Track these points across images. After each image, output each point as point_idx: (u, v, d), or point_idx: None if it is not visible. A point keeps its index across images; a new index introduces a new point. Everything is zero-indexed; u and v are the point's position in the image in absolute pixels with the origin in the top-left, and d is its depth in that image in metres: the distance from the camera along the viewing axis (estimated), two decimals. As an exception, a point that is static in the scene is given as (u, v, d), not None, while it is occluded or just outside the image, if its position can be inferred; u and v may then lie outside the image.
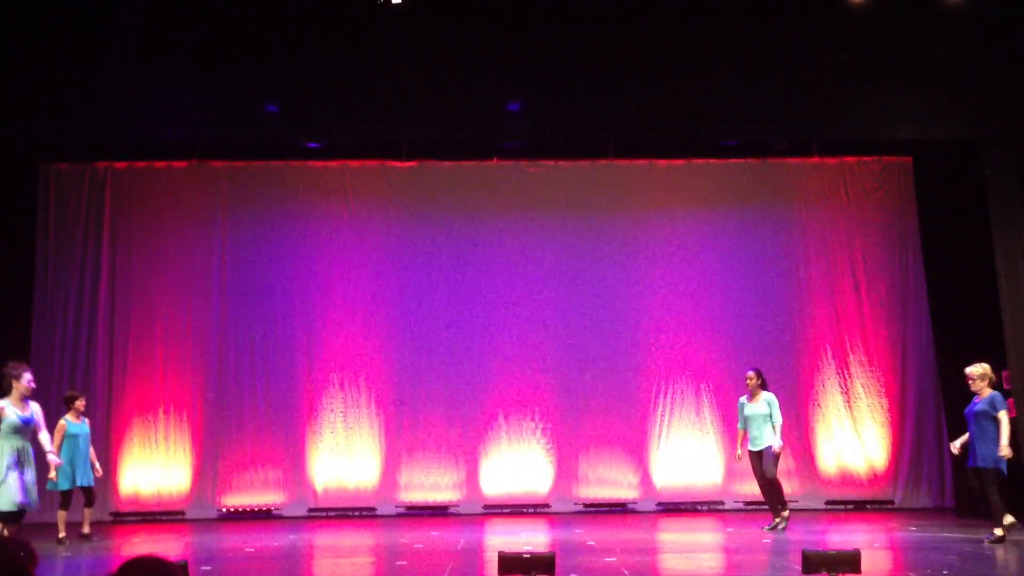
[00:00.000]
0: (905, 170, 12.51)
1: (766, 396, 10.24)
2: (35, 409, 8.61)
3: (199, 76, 10.33)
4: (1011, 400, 10.30)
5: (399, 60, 10.41)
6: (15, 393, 8.49)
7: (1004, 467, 8.81)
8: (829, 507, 12.12)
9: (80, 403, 10.08)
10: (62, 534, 9.58)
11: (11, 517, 8.15)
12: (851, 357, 12.35)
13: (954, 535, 9.56)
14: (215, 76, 10.38)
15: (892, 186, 12.63)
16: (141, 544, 9.87)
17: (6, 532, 8.22)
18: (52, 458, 8.83)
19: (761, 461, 10.11)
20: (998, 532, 8.73)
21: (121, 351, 12.15)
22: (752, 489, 12.16)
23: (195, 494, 12.00)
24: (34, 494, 8.35)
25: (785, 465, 12.22)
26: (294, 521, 11.67)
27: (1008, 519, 8.79)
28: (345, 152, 12.48)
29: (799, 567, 6.90)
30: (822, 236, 12.60)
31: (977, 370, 9.08)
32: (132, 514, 11.86)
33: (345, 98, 10.55)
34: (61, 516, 9.67)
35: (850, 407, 12.30)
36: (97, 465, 10.18)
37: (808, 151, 12.56)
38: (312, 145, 11.90)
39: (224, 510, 11.95)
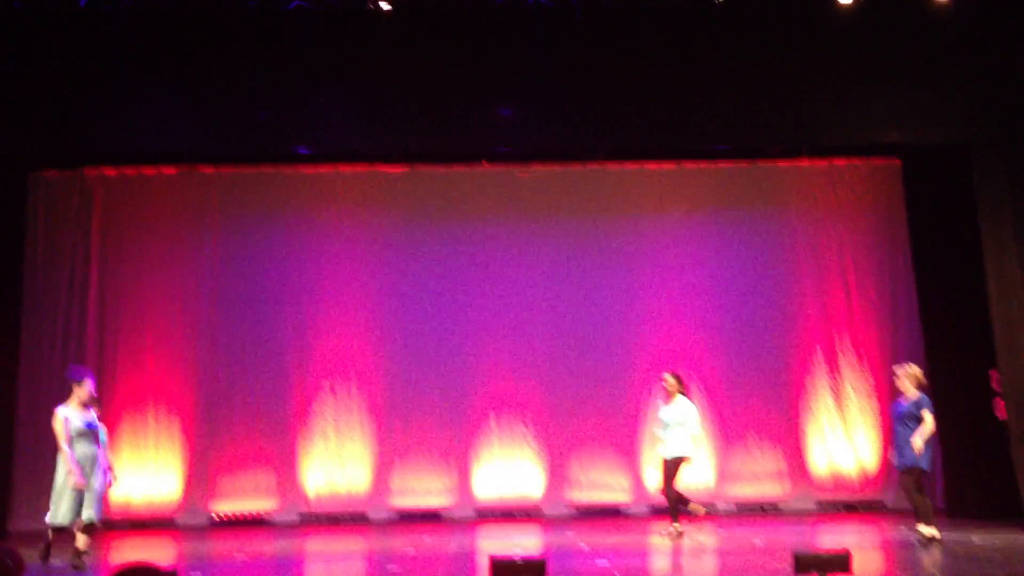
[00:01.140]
0: (894, 173, 12.55)
1: (683, 403, 10.11)
2: (94, 416, 8.64)
3: (189, 82, 10.32)
4: (1000, 400, 10.34)
5: (389, 65, 10.42)
6: (75, 399, 8.48)
7: (926, 464, 8.87)
8: (820, 508, 12.14)
9: (95, 411, 9.96)
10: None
11: (89, 528, 8.32)
12: (841, 359, 12.39)
13: (945, 535, 9.58)
14: (205, 82, 10.37)
15: (881, 189, 12.67)
16: (132, 552, 9.83)
17: (81, 544, 8.30)
18: (109, 475, 8.84)
19: (666, 469, 9.98)
20: (926, 531, 8.77)
21: (111, 359, 12.11)
22: (743, 491, 12.22)
23: (186, 501, 11.95)
24: (98, 505, 8.41)
25: (777, 467, 12.27)
26: (286, 527, 11.64)
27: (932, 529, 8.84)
28: (336, 157, 12.45)
29: (791, 568, 6.93)
30: (812, 239, 12.64)
31: (906, 369, 9.16)
32: (122, 522, 11.81)
33: (335, 103, 10.55)
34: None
35: (840, 408, 12.33)
36: (114, 472, 10.12)
37: (798, 154, 12.59)
38: (303, 150, 11.90)
39: (215, 517, 11.91)
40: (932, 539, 8.76)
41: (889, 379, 12.22)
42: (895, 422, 9.09)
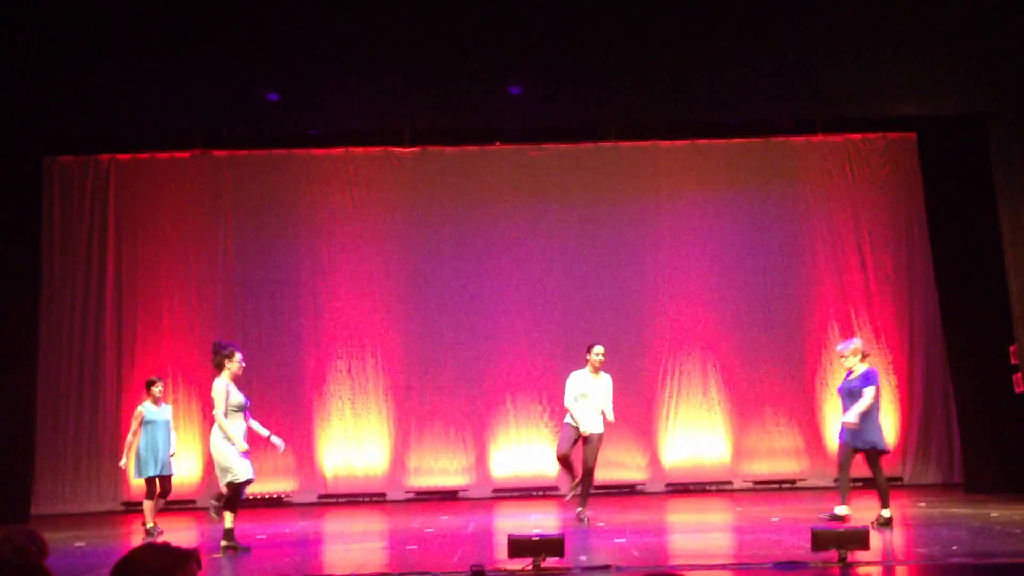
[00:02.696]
0: (910, 146, 12.46)
1: (607, 377, 9.59)
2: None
3: (199, 66, 10.29)
4: (1019, 375, 10.28)
5: (399, 45, 10.35)
6: (227, 373, 8.26)
7: (883, 445, 8.72)
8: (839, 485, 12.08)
9: (157, 388, 9.75)
10: (150, 524, 9.38)
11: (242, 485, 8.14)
12: (858, 334, 12.30)
13: (963, 511, 9.57)
14: (215, 65, 10.33)
15: (897, 163, 12.58)
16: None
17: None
18: (276, 440, 8.62)
19: (587, 445, 9.40)
20: (885, 514, 8.54)
21: (129, 343, 12.20)
22: (760, 468, 12.22)
23: (205, 483, 12.00)
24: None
25: (794, 444, 12.25)
26: (305, 508, 11.72)
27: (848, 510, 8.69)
28: (347, 139, 12.48)
29: (808, 545, 6.93)
30: (828, 214, 12.57)
31: (849, 347, 8.90)
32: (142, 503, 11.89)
33: (346, 85, 10.51)
34: (147, 505, 9.51)
35: (858, 385, 12.28)
36: (174, 447, 9.78)
37: (812, 129, 12.51)
38: (314, 133, 11.86)
39: (235, 498, 11.97)
40: (845, 517, 8.58)
41: (906, 353, 12.23)
42: (846, 400, 8.83)
